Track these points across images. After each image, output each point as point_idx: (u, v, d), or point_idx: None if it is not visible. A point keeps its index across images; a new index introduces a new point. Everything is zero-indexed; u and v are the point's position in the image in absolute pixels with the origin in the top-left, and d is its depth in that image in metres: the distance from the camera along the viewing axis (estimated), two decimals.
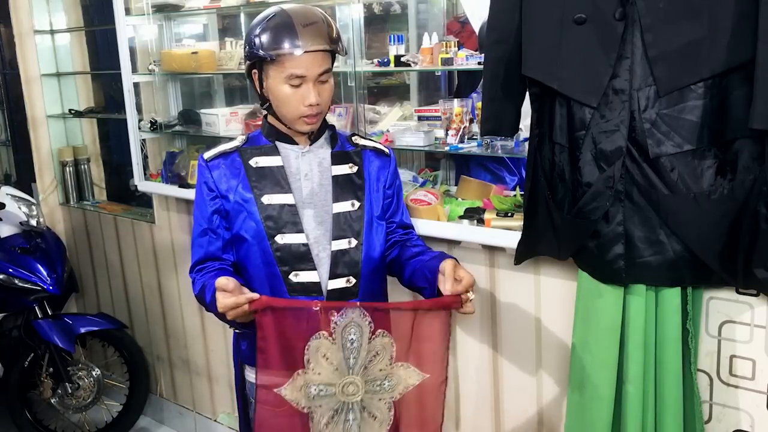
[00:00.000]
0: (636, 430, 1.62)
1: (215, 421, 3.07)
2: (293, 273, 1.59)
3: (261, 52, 1.53)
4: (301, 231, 1.59)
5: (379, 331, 1.50)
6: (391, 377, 1.54)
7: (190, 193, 2.70)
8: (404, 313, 1.51)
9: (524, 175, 1.77)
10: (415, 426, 1.60)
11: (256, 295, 1.42)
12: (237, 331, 1.69)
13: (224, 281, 1.41)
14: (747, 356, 1.60)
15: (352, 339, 1.48)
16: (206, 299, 1.55)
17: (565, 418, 1.77)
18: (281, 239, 1.59)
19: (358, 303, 1.50)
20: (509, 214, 1.95)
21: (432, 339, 1.53)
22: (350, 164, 1.66)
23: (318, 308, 1.45)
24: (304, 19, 1.53)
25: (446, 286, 1.49)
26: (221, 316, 1.47)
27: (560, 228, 1.65)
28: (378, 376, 1.54)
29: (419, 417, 1.59)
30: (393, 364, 1.53)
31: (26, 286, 2.86)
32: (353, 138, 1.72)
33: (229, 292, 1.41)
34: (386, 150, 1.74)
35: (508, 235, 1.88)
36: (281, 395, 1.49)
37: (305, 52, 1.50)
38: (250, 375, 1.71)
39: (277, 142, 1.64)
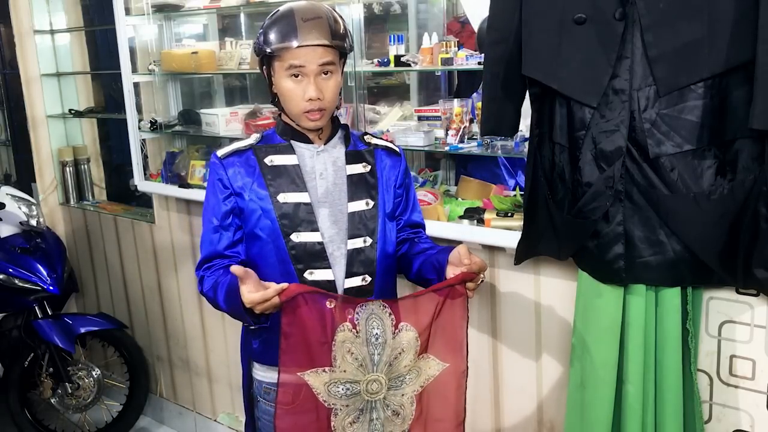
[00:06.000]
0: (636, 430, 1.62)
1: (215, 421, 3.07)
2: (308, 271, 1.59)
3: (264, 47, 1.55)
4: (316, 230, 1.59)
5: (402, 324, 1.50)
6: (412, 370, 1.54)
7: (190, 194, 2.70)
8: (426, 304, 1.51)
9: (524, 175, 1.77)
10: (439, 420, 1.59)
11: (285, 285, 1.41)
12: (252, 327, 1.67)
13: (241, 270, 1.39)
14: (747, 356, 1.60)
15: (376, 334, 1.49)
16: (219, 297, 1.55)
17: (565, 417, 1.77)
18: (296, 237, 1.59)
19: (379, 301, 1.50)
20: (509, 214, 1.95)
21: (448, 327, 1.53)
22: (364, 163, 1.66)
23: (333, 305, 1.45)
24: (306, 14, 1.54)
25: (462, 260, 1.49)
26: (236, 313, 1.47)
27: (560, 228, 1.65)
28: (402, 373, 1.54)
29: (443, 410, 1.59)
30: (417, 358, 1.53)
31: (26, 286, 2.86)
32: (365, 137, 1.72)
33: (251, 285, 1.39)
34: (397, 149, 1.74)
35: (508, 235, 1.88)
36: (304, 380, 1.48)
37: (302, 45, 1.51)
38: (257, 373, 1.70)
39: (293, 141, 1.64)
